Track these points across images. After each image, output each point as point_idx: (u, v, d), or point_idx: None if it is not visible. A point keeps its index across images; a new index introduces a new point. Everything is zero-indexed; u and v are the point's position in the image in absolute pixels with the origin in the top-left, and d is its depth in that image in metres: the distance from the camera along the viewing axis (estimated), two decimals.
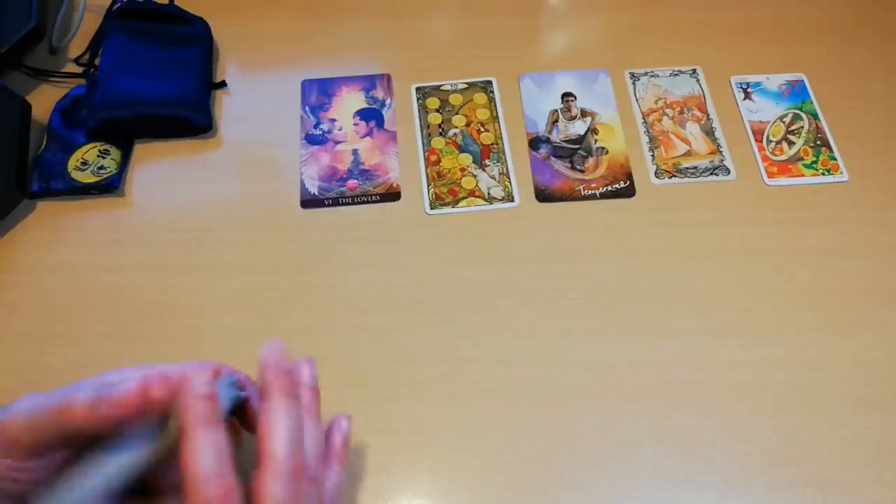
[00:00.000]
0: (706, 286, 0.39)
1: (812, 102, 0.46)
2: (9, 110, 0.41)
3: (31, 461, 0.24)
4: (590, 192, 0.43)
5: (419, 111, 0.46)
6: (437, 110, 0.46)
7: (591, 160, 0.44)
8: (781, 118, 0.46)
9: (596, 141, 0.45)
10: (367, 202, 0.42)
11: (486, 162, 0.44)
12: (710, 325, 0.38)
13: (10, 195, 0.41)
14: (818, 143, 0.45)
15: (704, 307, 0.38)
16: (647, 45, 0.49)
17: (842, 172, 0.43)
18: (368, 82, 0.47)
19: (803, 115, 0.46)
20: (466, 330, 0.37)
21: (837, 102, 0.46)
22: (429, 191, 0.43)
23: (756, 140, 0.45)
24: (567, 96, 0.47)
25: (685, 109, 0.46)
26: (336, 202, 0.42)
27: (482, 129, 0.45)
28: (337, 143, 0.45)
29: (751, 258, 0.40)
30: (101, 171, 0.42)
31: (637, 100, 0.46)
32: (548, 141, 0.45)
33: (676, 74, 0.47)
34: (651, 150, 0.44)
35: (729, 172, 0.43)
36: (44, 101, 0.45)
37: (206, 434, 0.23)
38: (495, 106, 0.46)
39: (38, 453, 0.24)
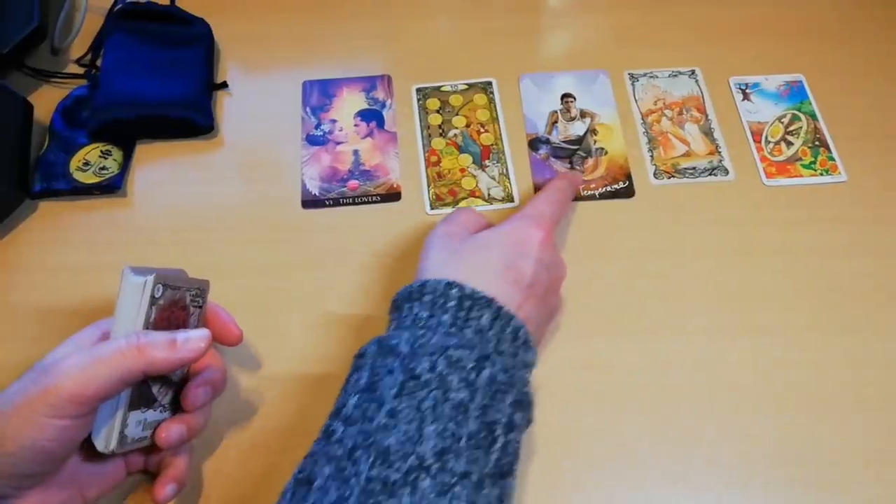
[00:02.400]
0: (706, 286, 0.39)
1: (810, 103, 0.46)
2: (11, 111, 0.41)
3: (84, 418, 0.26)
4: (589, 192, 0.43)
5: (419, 112, 0.46)
6: (438, 111, 0.46)
7: (590, 161, 0.44)
8: (780, 119, 0.46)
9: (595, 142, 0.45)
10: (368, 203, 0.42)
11: (486, 162, 0.44)
12: (709, 325, 0.38)
13: (12, 195, 0.41)
14: (817, 143, 0.45)
15: (704, 307, 0.38)
16: (646, 45, 0.49)
17: (840, 173, 0.43)
18: (369, 83, 0.47)
19: (802, 115, 0.46)
20: None
21: (836, 103, 0.46)
22: (429, 191, 0.43)
23: (755, 140, 0.45)
24: (566, 97, 0.47)
25: (684, 110, 0.46)
26: (337, 203, 0.42)
27: (482, 130, 0.45)
28: (338, 143, 0.45)
29: (750, 258, 0.40)
30: (102, 172, 0.42)
31: (636, 100, 0.47)
32: (547, 141, 0.45)
33: (675, 75, 0.48)
34: (650, 150, 0.44)
35: (728, 173, 0.43)
36: (46, 101, 0.45)
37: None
38: (495, 107, 0.46)
39: (92, 409, 0.26)
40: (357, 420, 0.25)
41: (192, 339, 0.28)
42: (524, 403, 0.28)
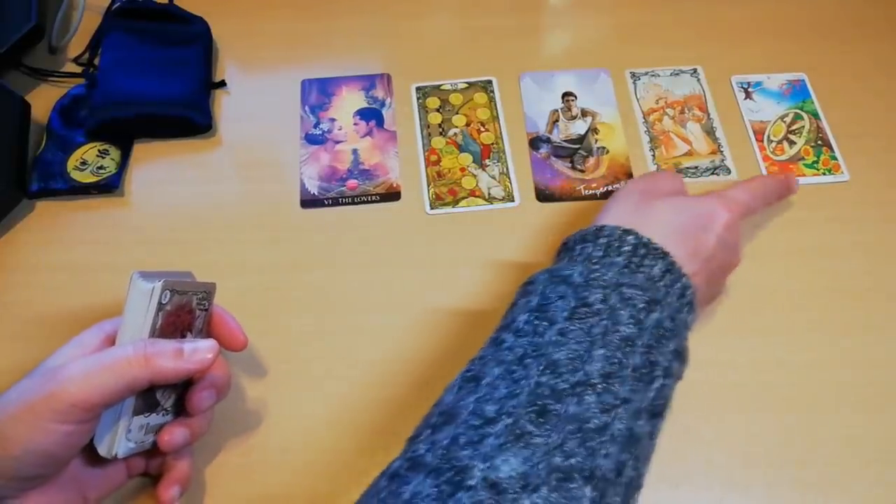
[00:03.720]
0: None
1: (813, 102, 0.46)
2: (8, 110, 0.41)
3: (89, 423, 0.27)
4: (590, 191, 0.43)
5: (419, 111, 0.46)
6: (438, 110, 0.46)
7: (591, 160, 0.44)
8: (782, 118, 0.46)
9: (596, 140, 0.45)
10: (367, 202, 0.42)
11: (487, 162, 0.44)
12: (709, 325, 0.38)
13: (10, 195, 0.41)
14: (819, 142, 0.44)
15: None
16: (648, 44, 0.49)
17: (843, 172, 0.43)
18: (368, 82, 0.47)
19: (804, 114, 0.46)
20: (467, 330, 0.37)
21: (838, 102, 0.46)
22: (429, 191, 0.43)
23: (757, 140, 0.45)
24: (567, 96, 0.46)
25: (686, 109, 0.46)
26: (336, 202, 0.42)
27: (482, 129, 0.45)
28: (337, 142, 0.45)
29: (751, 258, 0.40)
30: (100, 171, 0.42)
31: (638, 99, 0.46)
32: (548, 140, 0.45)
33: (677, 74, 0.47)
34: (652, 149, 0.44)
35: (730, 172, 0.43)
36: (43, 100, 0.45)
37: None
38: (495, 105, 0.46)
39: (96, 414, 0.27)
40: (528, 334, 0.26)
41: (199, 350, 0.28)
42: (682, 356, 0.28)
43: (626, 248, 0.28)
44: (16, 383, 0.27)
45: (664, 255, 0.29)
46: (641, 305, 0.27)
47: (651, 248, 0.28)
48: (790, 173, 0.39)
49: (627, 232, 0.29)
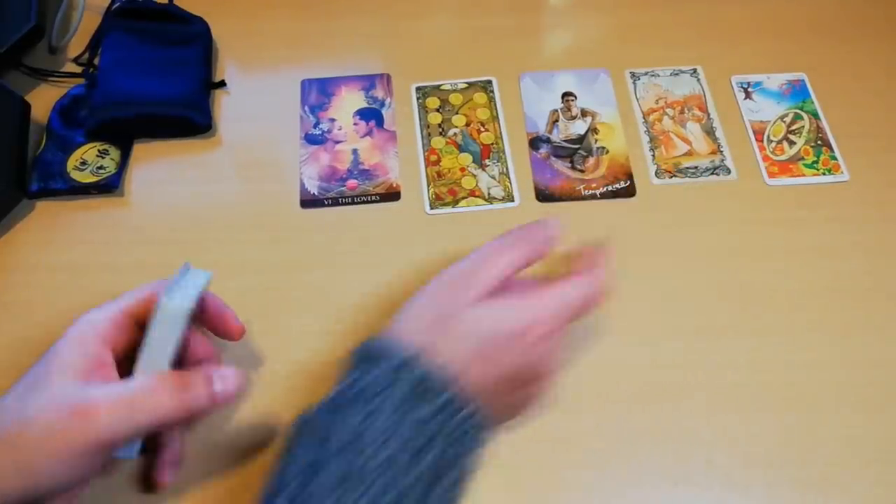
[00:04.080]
0: (705, 286, 0.39)
1: (813, 102, 0.46)
2: (8, 110, 0.41)
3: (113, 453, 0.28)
4: (590, 191, 0.43)
5: (419, 111, 0.46)
6: (437, 110, 0.46)
7: (591, 160, 0.44)
8: (782, 118, 0.46)
9: (596, 141, 0.45)
10: (367, 202, 0.42)
11: (486, 162, 0.44)
12: (709, 325, 0.38)
13: (10, 195, 0.41)
14: (819, 142, 0.44)
15: (704, 307, 0.38)
16: (648, 44, 0.49)
17: (843, 172, 0.43)
18: (368, 82, 0.47)
19: (804, 114, 0.46)
20: None
21: (838, 102, 0.46)
22: (429, 191, 0.43)
23: (757, 140, 0.45)
24: (567, 96, 0.46)
25: (686, 109, 0.46)
26: (336, 202, 0.42)
27: (482, 129, 0.45)
28: (336, 142, 0.45)
29: (751, 258, 0.40)
30: (100, 171, 0.42)
31: (637, 99, 0.46)
32: (548, 140, 0.45)
33: (677, 74, 0.47)
34: (651, 149, 0.44)
35: (730, 172, 0.43)
36: (43, 100, 0.45)
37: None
38: (495, 105, 0.46)
39: (121, 446, 0.28)
40: None
41: (228, 381, 0.29)
42: (463, 480, 0.28)
43: (409, 379, 0.27)
44: (25, 385, 0.27)
45: (446, 387, 0.27)
46: (415, 451, 0.26)
47: (433, 380, 0.27)
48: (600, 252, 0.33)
49: (414, 359, 0.27)
